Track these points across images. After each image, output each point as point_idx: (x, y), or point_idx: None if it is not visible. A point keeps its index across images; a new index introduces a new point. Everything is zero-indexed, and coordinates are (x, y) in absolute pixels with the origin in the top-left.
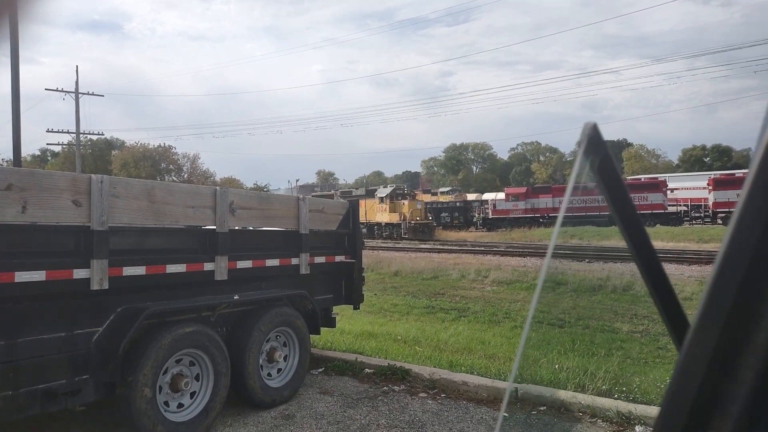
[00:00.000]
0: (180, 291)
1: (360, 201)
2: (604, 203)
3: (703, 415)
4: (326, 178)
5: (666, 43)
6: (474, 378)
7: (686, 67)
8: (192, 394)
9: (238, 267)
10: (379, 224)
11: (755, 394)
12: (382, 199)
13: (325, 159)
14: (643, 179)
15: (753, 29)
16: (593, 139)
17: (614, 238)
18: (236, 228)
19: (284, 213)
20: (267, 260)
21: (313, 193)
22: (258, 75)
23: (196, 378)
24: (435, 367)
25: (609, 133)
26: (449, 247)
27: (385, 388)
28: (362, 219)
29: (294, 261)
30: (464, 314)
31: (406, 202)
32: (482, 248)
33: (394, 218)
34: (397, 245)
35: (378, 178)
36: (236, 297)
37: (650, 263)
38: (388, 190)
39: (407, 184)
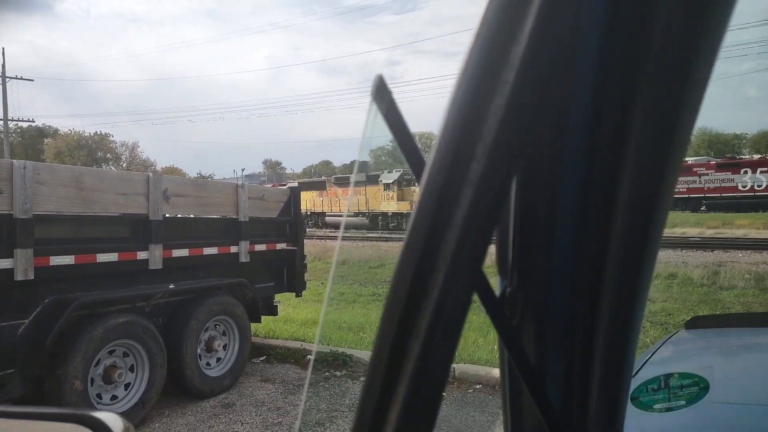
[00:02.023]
0: (112, 281)
1: (360, 188)
2: None
3: (416, 307)
4: (273, 167)
5: None
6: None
7: None
8: (126, 386)
9: (173, 255)
10: (384, 214)
11: (446, 289)
12: (387, 186)
13: (272, 148)
14: None
15: None
16: (380, 89)
17: None
18: (171, 216)
19: (222, 200)
20: (204, 248)
21: (300, 181)
22: (200, 60)
23: (131, 369)
24: None
25: None
26: (397, 235)
27: (326, 374)
28: (362, 208)
29: (233, 249)
30: None
31: (417, 189)
32: None
33: (404, 207)
34: (345, 235)
35: (326, 167)
36: (171, 286)
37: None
38: (395, 175)
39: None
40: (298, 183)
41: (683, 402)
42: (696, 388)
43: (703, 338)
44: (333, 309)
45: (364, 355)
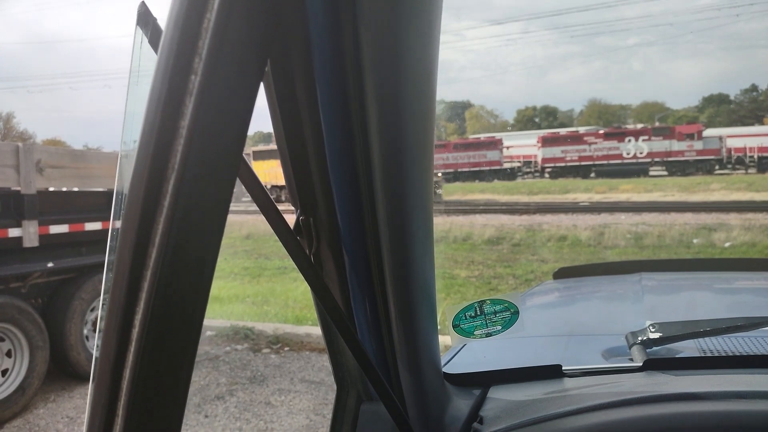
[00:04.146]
0: None
1: None
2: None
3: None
4: None
5: (504, 7)
6: (317, 329)
7: (521, 30)
8: (4, 372)
9: (51, 232)
10: None
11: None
12: None
13: None
14: (482, 138)
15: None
16: (144, 15)
17: (457, 194)
18: (48, 189)
19: (105, 172)
20: (86, 224)
21: (254, 149)
22: (84, 22)
23: (8, 354)
24: (280, 323)
25: (455, 94)
26: None
27: (227, 348)
28: None
29: (119, 224)
30: None
31: None
32: None
33: None
34: (249, 208)
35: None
36: (50, 265)
37: None
38: None
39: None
40: (253, 152)
41: (499, 327)
42: (508, 312)
43: (564, 285)
44: (237, 284)
45: (266, 327)
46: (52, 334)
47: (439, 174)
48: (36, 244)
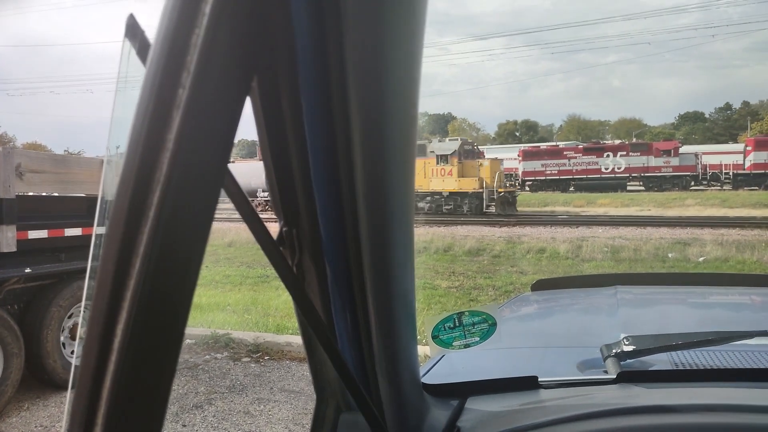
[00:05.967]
0: None
1: None
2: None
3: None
4: None
5: (489, 23)
6: (298, 338)
7: (504, 46)
8: None
9: (29, 237)
10: (437, 194)
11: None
12: (442, 159)
13: None
14: None
15: (559, 15)
16: (132, 27)
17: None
18: (27, 194)
19: (86, 177)
20: (66, 229)
21: None
22: (68, 26)
23: None
24: (261, 331)
25: (438, 107)
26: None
27: (206, 356)
28: None
29: (101, 230)
30: None
31: (486, 162)
32: None
33: (468, 185)
34: (233, 216)
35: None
36: (28, 270)
37: None
38: (455, 145)
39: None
40: None
41: (477, 338)
42: (486, 324)
43: (541, 297)
44: (217, 292)
45: (246, 335)
46: (28, 341)
47: (516, 184)
48: (14, 249)
